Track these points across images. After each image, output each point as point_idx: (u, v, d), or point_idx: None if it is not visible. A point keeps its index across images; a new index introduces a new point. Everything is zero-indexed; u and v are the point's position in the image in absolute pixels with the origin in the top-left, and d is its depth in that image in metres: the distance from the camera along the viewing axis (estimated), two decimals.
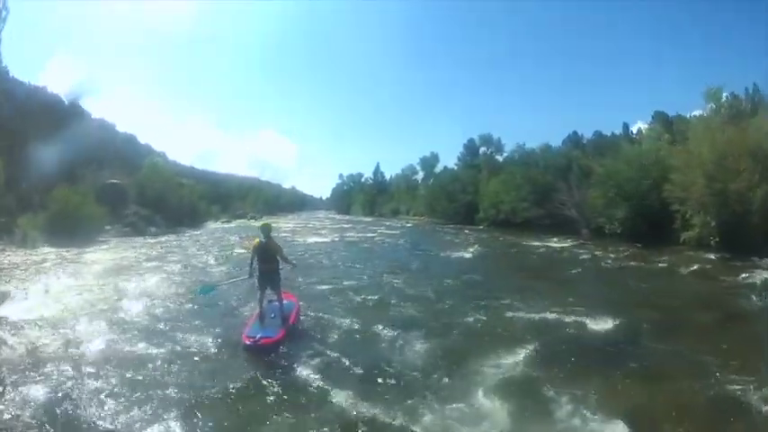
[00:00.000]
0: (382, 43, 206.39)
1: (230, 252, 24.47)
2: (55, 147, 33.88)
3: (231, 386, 6.89)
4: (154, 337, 9.02)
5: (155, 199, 40.15)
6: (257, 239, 9.49)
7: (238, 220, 70.98)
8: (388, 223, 56.63)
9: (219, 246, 28.09)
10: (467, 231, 38.55)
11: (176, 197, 47.07)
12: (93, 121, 52.00)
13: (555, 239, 29.29)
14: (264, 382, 7.04)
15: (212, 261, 20.82)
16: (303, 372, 7.45)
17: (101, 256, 22.75)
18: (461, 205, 48.22)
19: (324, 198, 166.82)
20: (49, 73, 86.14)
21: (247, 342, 8.47)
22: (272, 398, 6.61)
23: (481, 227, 43.22)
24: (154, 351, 8.26)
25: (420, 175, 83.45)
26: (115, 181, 37.83)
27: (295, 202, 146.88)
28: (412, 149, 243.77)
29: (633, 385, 6.82)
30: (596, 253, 22.75)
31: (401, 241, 32.33)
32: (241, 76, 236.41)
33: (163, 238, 32.76)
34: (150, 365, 7.57)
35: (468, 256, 22.62)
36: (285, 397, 6.59)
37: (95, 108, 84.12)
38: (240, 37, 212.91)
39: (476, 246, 26.18)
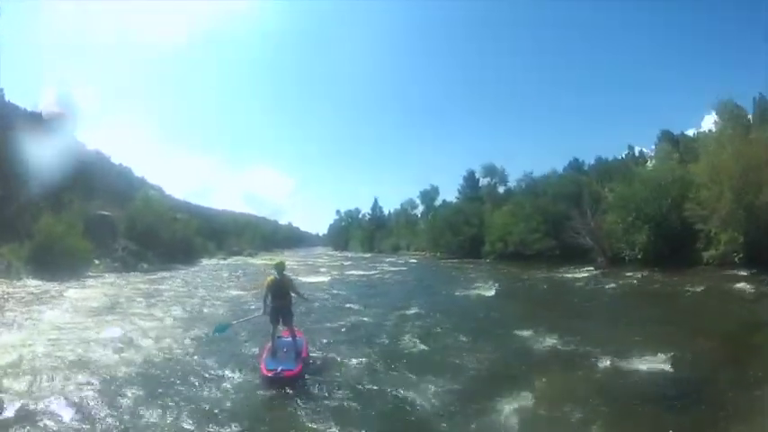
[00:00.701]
0: (378, 77, 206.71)
1: (229, 291, 22.68)
2: (45, 173, 32.62)
3: (255, 419, 6.91)
4: (162, 379, 8.56)
5: (146, 233, 38.07)
6: (271, 276, 9.85)
7: (234, 257, 69.25)
8: (388, 260, 54.69)
9: (216, 285, 26.28)
10: (472, 266, 36.90)
11: (169, 232, 45.08)
12: (89, 153, 51.86)
13: (572, 270, 27.67)
14: (288, 414, 7.12)
15: (211, 301, 19.08)
16: (323, 404, 7.43)
17: (89, 293, 20.99)
18: (466, 239, 46.39)
19: (320, 234, 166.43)
20: (46, 100, 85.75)
21: (269, 374, 8.51)
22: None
23: (487, 260, 41.64)
24: (163, 391, 7.85)
25: (420, 209, 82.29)
26: (105, 213, 36.00)
27: (292, 238, 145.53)
28: (409, 184, 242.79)
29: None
30: (621, 281, 21.33)
31: (406, 278, 30.51)
32: (237, 111, 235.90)
33: (155, 276, 30.81)
34: (162, 403, 7.23)
35: (482, 292, 20.58)
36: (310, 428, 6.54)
37: (92, 139, 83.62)
38: (236, 71, 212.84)
39: (489, 281, 24.17)
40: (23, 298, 18.45)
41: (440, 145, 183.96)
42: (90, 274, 28.24)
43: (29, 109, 42.82)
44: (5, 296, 18.56)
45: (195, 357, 10.09)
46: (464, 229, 46.88)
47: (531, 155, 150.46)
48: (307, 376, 8.81)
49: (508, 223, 38.30)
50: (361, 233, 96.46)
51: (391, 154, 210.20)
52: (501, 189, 60.34)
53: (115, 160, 62.29)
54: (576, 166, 50.18)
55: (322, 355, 10.39)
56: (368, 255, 74.20)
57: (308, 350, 10.16)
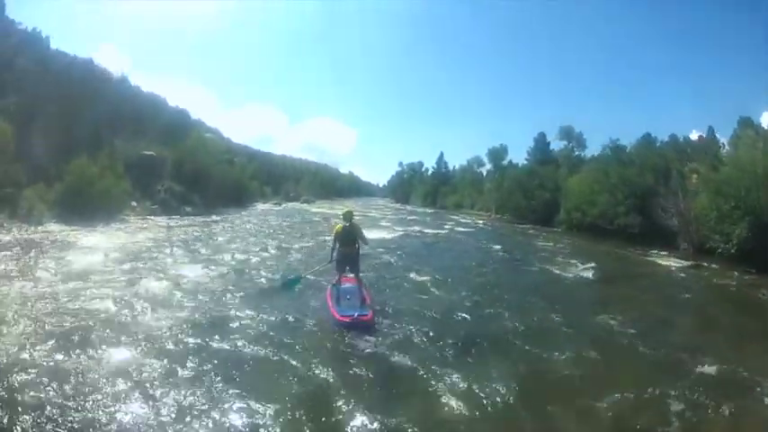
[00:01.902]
0: (450, 30, 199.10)
1: (269, 244, 19.88)
2: (87, 114, 30.60)
3: (339, 363, 7.26)
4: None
5: (194, 175, 35.58)
6: (339, 224, 10.20)
7: (291, 203, 67.31)
8: (454, 218, 50.97)
9: (260, 236, 23.52)
10: (547, 234, 32.98)
11: (221, 174, 42.72)
12: (143, 94, 50.55)
13: (658, 255, 23.70)
14: (368, 357, 7.59)
15: (249, 254, 17.07)
16: (397, 348, 7.94)
17: (107, 240, 18.49)
18: (538, 203, 41.69)
19: (381, 185, 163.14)
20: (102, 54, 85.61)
21: (346, 320, 8.83)
22: (377, 373, 6.94)
23: (558, 229, 37.30)
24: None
25: (485, 168, 77.43)
26: (150, 152, 33.53)
27: (352, 188, 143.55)
28: (474, 143, 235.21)
29: None
30: (725, 280, 17.28)
31: (479, 242, 26.86)
32: (300, 61, 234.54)
33: (197, 220, 28.62)
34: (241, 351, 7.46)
35: (579, 273, 16.92)
36: (388, 372, 7.05)
37: (150, 85, 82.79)
38: (297, 23, 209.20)
39: (579, 258, 20.19)
40: (29, 244, 16.22)
41: (508, 106, 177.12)
42: (125, 217, 26.03)
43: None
44: (10, 244, 16.21)
45: (246, 312, 9.59)
46: (537, 193, 42.18)
47: (594, 127, 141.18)
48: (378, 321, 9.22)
49: (590, 192, 33.46)
50: (423, 187, 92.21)
51: (457, 111, 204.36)
52: (581, 154, 55.07)
53: (172, 103, 59.64)
54: (648, 141, 43.52)
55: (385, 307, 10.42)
56: (430, 210, 70.59)
57: (372, 298, 10.37)
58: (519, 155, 72.41)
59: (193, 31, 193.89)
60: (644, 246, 26.11)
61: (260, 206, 53.32)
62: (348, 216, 10.16)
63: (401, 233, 27.84)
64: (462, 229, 35.08)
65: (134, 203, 28.61)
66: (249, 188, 56.73)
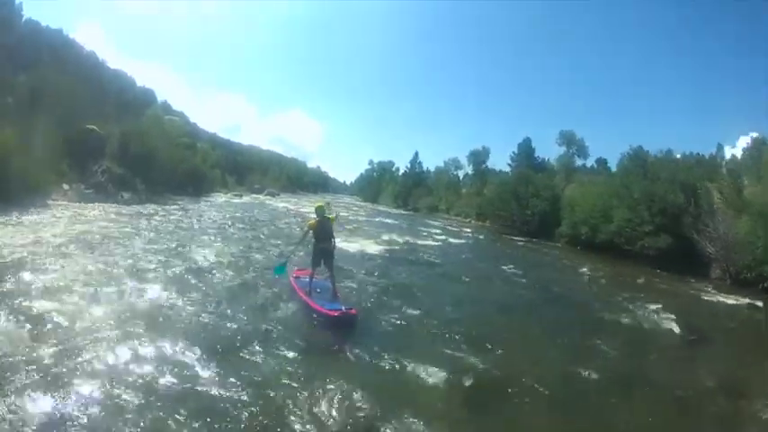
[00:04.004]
0: (428, 29, 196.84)
1: (197, 252, 14.61)
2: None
3: (338, 355, 7.52)
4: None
5: (142, 157, 29.80)
6: (313, 220, 10.02)
7: (253, 195, 62.08)
8: (435, 223, 46.44)
9: (198, 235, 18.55)
10: (551, 251, 29.02)
11: (176, 159, 37.21)
12: (108, 70, 46.27)
13: (692, 284, 20.34)
14: (360, 349, 7.71)
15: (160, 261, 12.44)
16: (382, 341, 8.28)
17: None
18: (534, 214, 37.42)
19: (348, 183, 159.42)
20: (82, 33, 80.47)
21: (334, 314, 8.68)
22: (369, 364, 7.28)
23: (559, 244, 33.46)
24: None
25: (462, 172, 74.56)
26: (92, 127, 27.74)
27: (319, 183, 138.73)
28: (448, 147, 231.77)
29: None
30: None
31: (494, 266, 20.56)
32: (273, 55, 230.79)
33: (131, 209, 23.47)
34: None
35: (661, 324, 12.28)
36: (377, 363, 7.31)
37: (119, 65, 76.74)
38: (274, 17, 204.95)
39: (635, 294, 16.03)
40: None
41: (485, 111, 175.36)
42: (51, 202, 20.68)
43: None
44: None
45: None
46: (533, 203, 38.07)
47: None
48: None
49: (604, 206, 29.09)
50: (394, 187, 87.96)
51: (430, 113, 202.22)
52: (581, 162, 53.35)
53: (139, 83, 54.98)
54: (637, 155, 39.43)
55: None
56: (404, 212, 66.64)
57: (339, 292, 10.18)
58: (497, 161, 69.14)
59: (174, 18, 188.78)
60: (671, 271, 22.41)
61: (219, 197, 47.75)
62: (321, 211, 10.05)
63: (383, 246, 22.26)
64: (455, 241, 30.25)
65: (66, 186, 23.16)
66: (209, 176, 51.43)
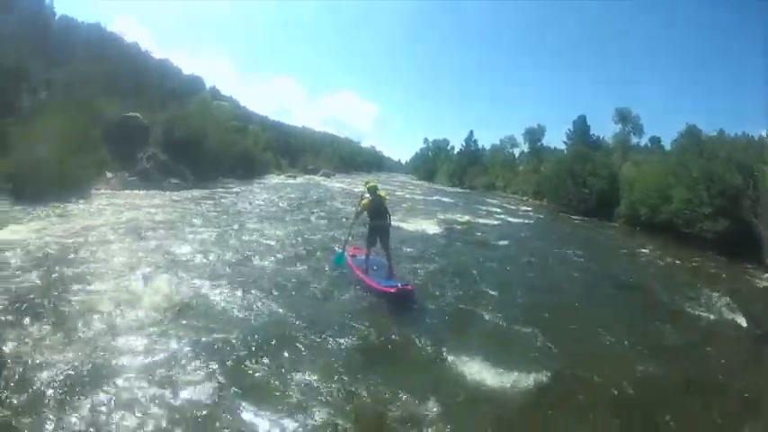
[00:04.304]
0: (483, 6, 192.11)
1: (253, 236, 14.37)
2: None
3: (396, 341, 7.32)
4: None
5: (188, 142, 29.57)
6: (366, 199, 10.10)
7: (307, 176, 62.05)
8: (492, 201, 45.27)
9: (251, 219, 17.97)
10: (621, 235, 27.12)
11: (225, 142, 37.19)
12: (152, 60, 46.78)
13: (759, 272, 18.26)
14: (418, 334, 7.57)
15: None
16: (441, 326, 8.19)
17: (28, 229, 12.91)
18: (592, 193, 35.76)
19: (403, 162, 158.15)
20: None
21: (391, 290, 8.75)
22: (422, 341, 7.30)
23: (616, 224, 31.79)
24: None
25: (517, 150, 72.61)
26: (135, 114, 27.71)
27: (373, 163, 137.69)
28: (503, 125, 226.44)
29: None
30: None
31: (564, 251, 18.61)
32: (322, 35, 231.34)
33: (180, 194, 23.17)
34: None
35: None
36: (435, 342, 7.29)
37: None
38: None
39: (722, 288, 13.87)
40: None
41: (540, 90, 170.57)
42: (95, 191, 20.68)
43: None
44: None
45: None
46: (590, 181, 36.38)
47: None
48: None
49: (662, 186, 27.16)
50: (450, 165, 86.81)
51: (485, 92, 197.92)
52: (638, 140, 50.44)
53: (187, 72, 56.08)
54: (691, 133, 36.51)
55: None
56: (460, 190, 65.18)
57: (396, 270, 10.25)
58: (551, 139, 67.08)
59: (219, 5, 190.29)
60: (729, 256, 20.71)
61: (273, 179, 47.90)
62: (373, 189, 10.16)
63: (442, 226, 21.67)
64: (514, 220, 28.97)
65: (110, 175, 23.27)
66: (262, 159, 51.53)
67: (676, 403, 6.40)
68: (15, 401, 4.80)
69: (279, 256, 11.74)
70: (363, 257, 10.32)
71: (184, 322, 6.97)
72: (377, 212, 9.93)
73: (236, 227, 15.40)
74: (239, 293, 8.47)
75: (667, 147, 46.77)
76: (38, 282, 8.05)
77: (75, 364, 5.54)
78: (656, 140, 52.89)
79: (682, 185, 25.88)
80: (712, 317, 10.86)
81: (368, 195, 10.08)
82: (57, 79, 26.52)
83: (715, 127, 37.11)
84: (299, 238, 14.49)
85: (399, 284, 8.89)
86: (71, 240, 11.08)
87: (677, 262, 19.03)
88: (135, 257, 10.08)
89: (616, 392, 6.45)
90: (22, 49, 25.20)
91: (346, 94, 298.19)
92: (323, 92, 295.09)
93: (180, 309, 7.43)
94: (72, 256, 9.79)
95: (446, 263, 13.04)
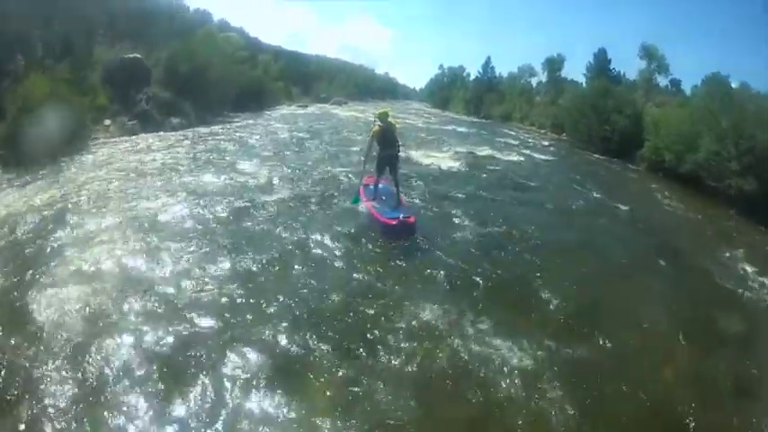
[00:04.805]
0: None
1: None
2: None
3: (392, 262, 8.24)
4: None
5: (192, 78, 28.33)
6: (377, 126, 10.23)
7: (319, 105, 60.59)
8: (511, 133, 43.94)
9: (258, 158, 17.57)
10: (647, 181, 25.91)
11: (231, 74, 35.77)
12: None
13: None
14: (419, 257, 8.52)
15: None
16: (442, 250, 8.85)
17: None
18: (614, 132, 33.74)
19: (417, 89, 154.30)
20: None
21: (392, 222, 9.19)
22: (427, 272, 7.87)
23: (639, 168, 30.07)
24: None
25: (535, 80, 69.04)
26: (135, 55, 26.21)
27: (387, 90, 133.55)
28: (518, 52, 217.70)
29: None
30: None
31: (582, 190, 18.90)
32: None
33: (182, 133, 23.01)
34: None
35: None
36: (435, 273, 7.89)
37: None
38: None
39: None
40: None
41: (558, 17, 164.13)
42: (91, 143, 19.61)
43: None
44: None
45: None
46: (613, 118, 34.27)
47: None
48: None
49: (691, 133, 25.37)
50: (465, 93, 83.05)
51: (501, 18, 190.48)
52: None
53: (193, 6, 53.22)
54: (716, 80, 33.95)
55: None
56: (476, 119, 63.44)
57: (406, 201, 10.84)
58: (570, 71, 63.88)
59: None
60: (756, 218, 18.81)
61: (282, 110, 46.90)
62: (384, 117, 10.28)
63: (462, 161, 21.04)
64: (537, 157, 27.70)
65: (107, 122, 22.20)
66: (272, 89, 50.10)
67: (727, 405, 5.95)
68: None
69: (284, 188, 12.43)
70: (373, 187, 10.66)
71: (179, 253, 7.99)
72: (387, 141, 10.14)
73: (233, 165, 15.68)
74: (238, 223, 9.59)
75: (687, 91, 44.72)
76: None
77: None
78: (676, 83, 50.07)
79: (712, 135, 24.15)
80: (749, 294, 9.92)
81: (379, 123, 10.27)
82: (53, 33, 25.16)
83: (738, 79, 34.57)
84: (302, 171, 15.09)
85: (401, 216, 9.26)
86: (43, 213, 10.40)
87: (708, 218, 18.23)
88: (117, 221, 9.81)
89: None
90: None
91: (362, 19, 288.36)
92: (339, 19, 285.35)
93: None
94: (44, 226, 9.44)
95: (462, 200, 13.11)
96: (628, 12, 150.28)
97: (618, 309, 8.10)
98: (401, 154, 10.95)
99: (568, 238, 11.66)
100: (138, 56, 26.28)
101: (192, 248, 8.37)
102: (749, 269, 11.37)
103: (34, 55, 21.92)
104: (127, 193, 11.77)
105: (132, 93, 24.31)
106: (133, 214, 10.18)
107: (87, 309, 6.40)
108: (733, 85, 31.30)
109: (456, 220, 11.20)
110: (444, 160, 20.33)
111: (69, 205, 10.74)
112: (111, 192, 11.81)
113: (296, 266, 7.90)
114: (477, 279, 8.05)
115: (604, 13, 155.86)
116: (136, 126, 22.61)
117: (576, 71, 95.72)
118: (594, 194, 18.24)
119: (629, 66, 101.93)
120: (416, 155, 20.43)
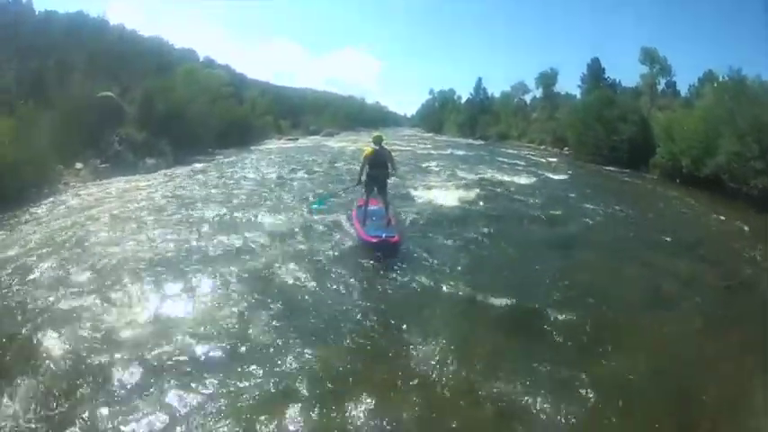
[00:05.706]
0: None
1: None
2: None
3: (365, 280, 8.24)
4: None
5: (170, 116, 26.66)
6: (370, 148, 10.34)
7: (309, 137, 59.19)
8: (512, 152, 42.17)
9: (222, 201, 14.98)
10: (668, 191, 23.53)
11: (217, 111, 34.14)
12: (141, 38, 45.86)
13: None
14: (395, 276, 8.27)
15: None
16: (421, 270, 8.59)
17: None
18: (622, 141, 32.02)
19: (408, 115, 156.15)
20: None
21: (372, 240, 9.17)
22: (402, 292, 7.73)
23: (654, 177, 28.13)
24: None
25: (529, 96, 68.62)
26: (107, 94, 24.63)
27: (377, 118, 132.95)
28: (506, 73, 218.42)
29: None
30: None
31: (608, 208, 16.98)
32: None
33: (156, 176, 20.96)
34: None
35: None
36: (413, 291, 7.76)
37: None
38: None
39: None
40: None
41: (547, 35, 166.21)
42: (61, 186, 17.85)
43: None
44: None
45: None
46: (621, 127, 32.65)
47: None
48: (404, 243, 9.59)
49: (707, 135, 23.33)
50: (458, 116, 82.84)
51: (487, 40, 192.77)
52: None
53: (178, 45, 55.52)
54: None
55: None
56: (472, 141, 61.98)
57: (397, 221, 10.81)
58: (562, 85, 63.01)
59: None
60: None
61: (271, 144, 45.40)
62: (378, 140, 10.35)
63: (475, 189, 18.56)
64: (549, 177, 25.63)
65: (79, 165, 20.33)
66: (259, 124, 48.97)
67: None
68: None
69: (273, 223, 11.99)
70: (370, 207, 10.57)
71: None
72: (377, 162, 10.25)
73: (209, 207, 14.28)
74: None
75: (683, 92, 45.52)
76: None
77: None
78: (671, 84, 49.52)
79: (732, 135, 22.24)
80: None
81: (373, 145, 10.31)
82: (30, 71, 24.55)
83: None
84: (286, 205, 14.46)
85: (384, 235, 9.18)
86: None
87: (741, 226, 15.76)
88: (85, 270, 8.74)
89: None
90: None
91: (349, 51, 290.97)
92: (325, 52, 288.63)
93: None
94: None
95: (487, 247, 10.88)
96: (612, 20, 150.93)
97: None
98: (393, 179, 10.95)
99: (623, 272, 9.47)
100: (111, 94, 24.48)
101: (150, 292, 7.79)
102: None
103: (5, 93, 21.03)
104: (68, 250, 9.66)
105: (106, 133, 22.45)
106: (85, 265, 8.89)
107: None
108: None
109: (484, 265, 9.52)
110: (451, 191, 17.65)
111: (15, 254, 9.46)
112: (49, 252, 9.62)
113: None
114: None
115: (589, 24, 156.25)
116: (109, 169, 20.66)
117: (568, 84, 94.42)
118: (624, 211, 16.35)
119: (620, 73, 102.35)
120: (419, 186, 18.33)
